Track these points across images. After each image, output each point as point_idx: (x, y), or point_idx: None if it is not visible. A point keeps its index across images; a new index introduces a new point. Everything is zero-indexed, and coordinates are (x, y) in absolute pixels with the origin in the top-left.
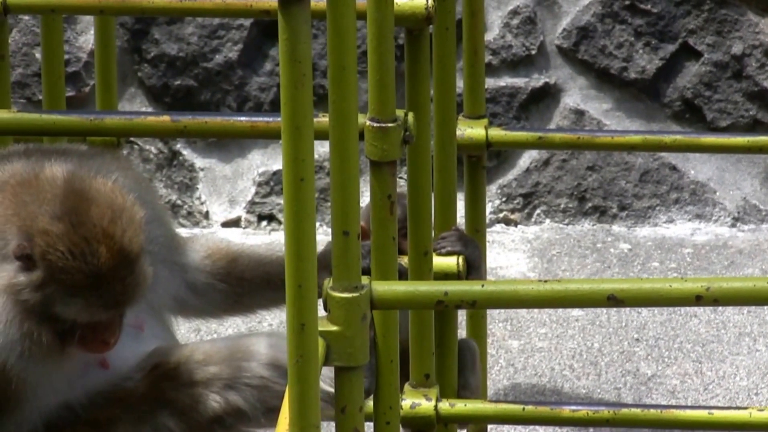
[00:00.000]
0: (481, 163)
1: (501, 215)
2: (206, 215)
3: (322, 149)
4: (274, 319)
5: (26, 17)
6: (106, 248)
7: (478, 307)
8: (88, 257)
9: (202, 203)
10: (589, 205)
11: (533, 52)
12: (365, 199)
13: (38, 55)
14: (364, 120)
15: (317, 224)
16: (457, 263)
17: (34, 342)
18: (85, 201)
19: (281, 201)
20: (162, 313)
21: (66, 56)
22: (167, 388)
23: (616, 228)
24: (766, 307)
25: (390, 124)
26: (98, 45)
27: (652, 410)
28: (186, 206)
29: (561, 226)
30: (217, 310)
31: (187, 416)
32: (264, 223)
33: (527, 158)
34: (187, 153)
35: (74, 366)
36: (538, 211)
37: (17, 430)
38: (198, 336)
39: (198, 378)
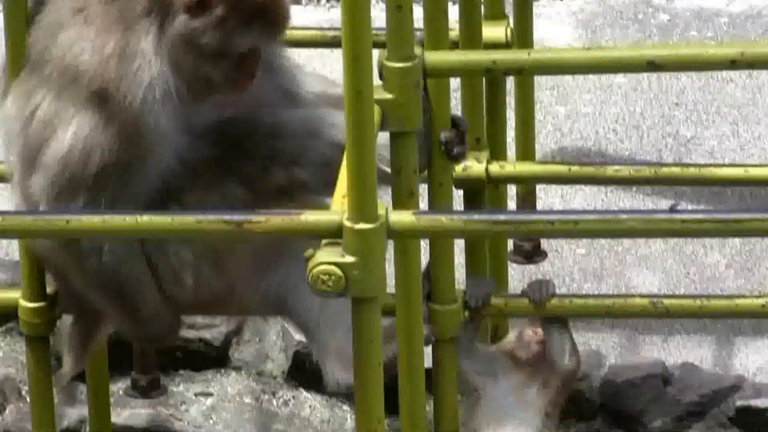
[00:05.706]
0: None
1: None
2: None
3: None
4: None
5: None
6: None
7: (525, 73)
8: None
9: None
10: None
11: None
12: None
13: None
14: None
15: None
16: (506, 33)
17: (177, 91)
18: None
19: None
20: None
21: None
22: (234, 157)
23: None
24: None
25: None
26: None
27: (691, 168)
28: None
29: None
30: None
31: (254, 186)
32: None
33: None
34: None
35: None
36: None
37: (137, 191)
38: None
39: (264, 152)
